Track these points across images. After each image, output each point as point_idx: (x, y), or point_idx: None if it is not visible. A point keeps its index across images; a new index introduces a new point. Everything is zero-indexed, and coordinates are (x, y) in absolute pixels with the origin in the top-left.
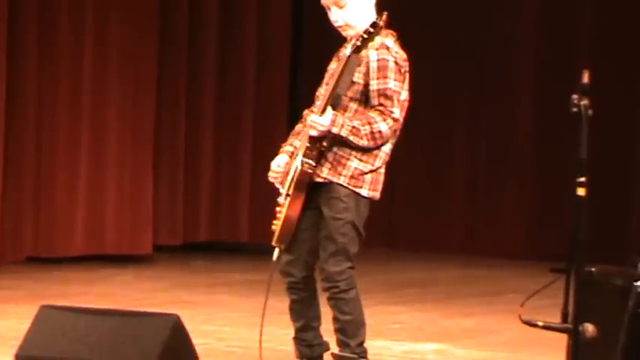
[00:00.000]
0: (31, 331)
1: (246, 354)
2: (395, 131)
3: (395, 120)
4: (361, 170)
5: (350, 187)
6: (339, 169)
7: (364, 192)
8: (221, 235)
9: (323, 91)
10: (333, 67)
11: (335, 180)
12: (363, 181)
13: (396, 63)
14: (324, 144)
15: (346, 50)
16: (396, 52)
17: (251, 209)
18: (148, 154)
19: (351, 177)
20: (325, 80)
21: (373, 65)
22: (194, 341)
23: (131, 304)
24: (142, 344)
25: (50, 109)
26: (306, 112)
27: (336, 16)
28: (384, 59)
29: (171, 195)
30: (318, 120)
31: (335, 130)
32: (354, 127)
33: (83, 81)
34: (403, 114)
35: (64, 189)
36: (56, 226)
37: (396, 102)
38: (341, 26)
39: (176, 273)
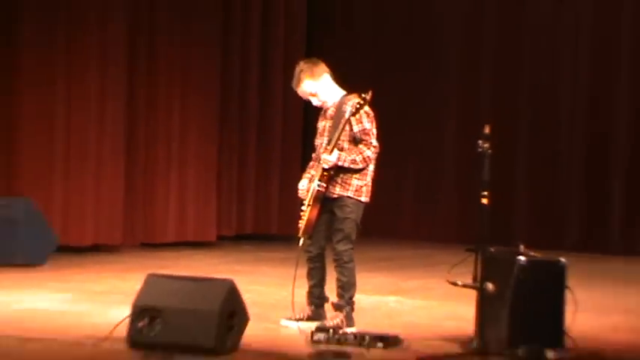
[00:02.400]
0: (142, 290)
1: (277, 303)
2: (375, 153)
3: (374, 147)
4: (359, 185)
5: (354, 197)
6: (346, 186)
7: (363, 199)
8: (259, 228)
9: (319, 141)
10: (323, 124)
11: (345, 194)
12: (362, 192)
13: (365, 113)
14: (332, 172)
15: (330, 112)
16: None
17: (279, 210)
18: (214, 175)
19: (355, 190)
20: (319, 131)
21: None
22: (243, 296)
23: (203, 273)
24: (209, 299)
25: (153, 144)
26: (314, 155)
27: (315, 102)
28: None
29: (229, 199)
30: (328, 158)
31: (340, 163)
32: (352, 159)
33: (172, 130)
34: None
35: (163, 195)
36: (157, 221)
37: (372, 135)
38: (321, 105)
39: (231, 253)
